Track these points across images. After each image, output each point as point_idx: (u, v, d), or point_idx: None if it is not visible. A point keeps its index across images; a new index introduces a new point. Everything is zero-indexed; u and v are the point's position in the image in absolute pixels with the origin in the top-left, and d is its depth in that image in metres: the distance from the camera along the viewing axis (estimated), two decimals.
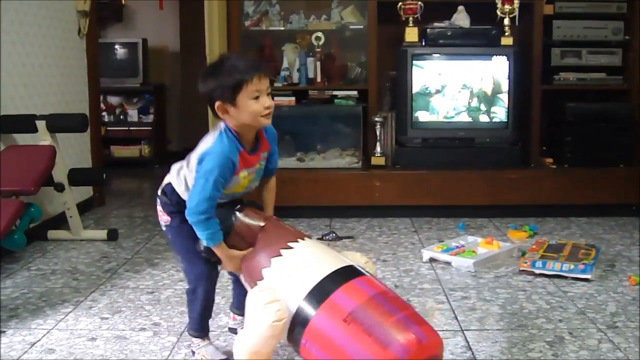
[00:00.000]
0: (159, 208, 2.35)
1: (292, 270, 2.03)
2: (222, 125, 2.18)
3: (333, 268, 1.99)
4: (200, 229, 2.14)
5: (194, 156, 2.20)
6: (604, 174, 4.64)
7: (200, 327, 2.41)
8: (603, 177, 4.63)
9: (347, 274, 1.98)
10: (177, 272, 3.47)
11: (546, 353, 2.42)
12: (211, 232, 2.14)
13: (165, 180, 2.33)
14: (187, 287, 2.39)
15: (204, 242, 2.17)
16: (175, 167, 2.32)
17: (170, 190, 2.30)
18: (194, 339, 2.42)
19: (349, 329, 1.84)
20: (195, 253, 2.24)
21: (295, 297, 1.95)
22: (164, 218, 2.34)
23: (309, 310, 1.92)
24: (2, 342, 2.57)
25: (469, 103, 4.66)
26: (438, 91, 4.66)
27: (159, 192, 2.35)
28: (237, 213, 2.20)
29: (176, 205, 2.27)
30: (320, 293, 1.93)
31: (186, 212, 2.15)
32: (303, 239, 2.13)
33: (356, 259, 2.14)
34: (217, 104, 2.13)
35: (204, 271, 2.30)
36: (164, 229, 2.38)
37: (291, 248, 2.07)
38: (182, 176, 2.25)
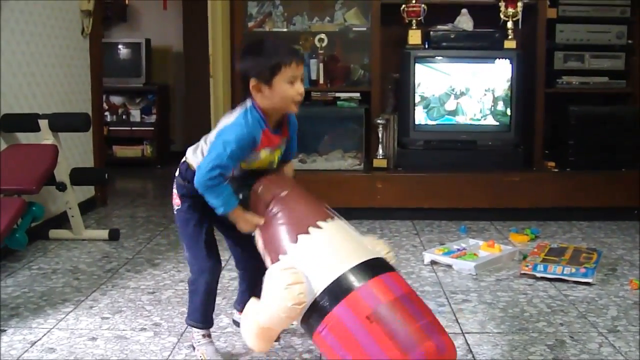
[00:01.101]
0: (174, 190, 2.36)
1: (319, 252, 1.96)
2: (248, 103, 2.18)
3: (361, 259, 1.93)
4: (212, 195, 2.13)
5: (214, 131, 2.21)
6: (607, 177, 4.64)
7: (199, 317, 2.38)
8: (605, 181, 4.62)
9: (376, 267, 1.94)
10: (178, 272, 3.47)
11: (547, 356, 2.42)
12: (224, 197, 2.13)
13: (182, 160, 2.34)
14: (190, 277, 2.38)
15: (219, 210, 2.14)
16: (191, 148, 2.33)
17: (185, 169, 2.30)
18: (194, 330, 2.41)
19: (371, 328, 1.81)
20: (200, 243, 2.25)
21: (319, 282, 1.89)
22: (175, 201, 2.34)
23: (332, 299, 1.87)
24: (3, 341, 2.57)
25: (472, 106, 4.66)
26: (441, 94, 4.65)
27: (176, 173, 2.35)
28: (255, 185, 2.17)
29: (189, 187, 2.26)
30: (346, 284, 1.87)
31: (195, 179, 2.14)
32: (333, 219, 2.06)
33: (379, 247, 2.09)
34: (252, 82, 2.13)
35: (207, 263, 2.30)
36: (175, 212, 2.37)
37: (320, 228, 2.00)
38: (199, 152, 2.25)
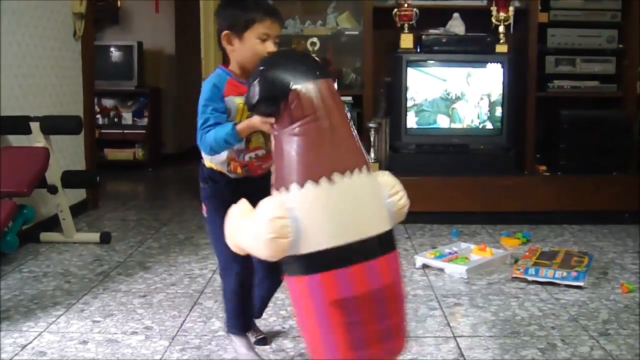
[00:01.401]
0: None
1: (318, 213, 1.77)
2: None
3: (356, 237, 1.77)
4: (212, 140, 2.08)
5: None
6: (598, 181, 4.65)
7: (232, 323, 2.36)
8: (596, 185, 4.64)
9: (368, 249, 1.79)
10: (170, 275, 3.47)
11: None
12: (218, 131, 2.07)
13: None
14: (222, 285, 2.36)
15: (231, 142, 2.07)
16: None
17: (202, 166, 2.29)
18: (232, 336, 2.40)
19: (331, 313, 1.75)
20: (224, 242, 2.08)
21: (306, 243, 1.76)
22: (203, 207, 2.33)
23: (310, 266, 1.77)
24: None
25: (464, 110, 4.67)
26: (432, 98, 4.66)
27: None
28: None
29: (206, 185, 2.27)
30: (327, 261, 1.75)
31: (203, 152, 2.15)
32: (355, 172, 1.81)
33: (387, 184, 1.95)
34: (224, 32, 2.13)
35: (234, 257, 2.12)
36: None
37: (333, 182, 1.76)
38: None
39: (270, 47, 2.12)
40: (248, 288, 2.31)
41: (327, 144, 1.80)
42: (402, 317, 1.90)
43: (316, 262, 1.76)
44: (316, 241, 1.75)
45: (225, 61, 2.25)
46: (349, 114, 1.93)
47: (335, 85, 2.03)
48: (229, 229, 1.92)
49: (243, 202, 1.91)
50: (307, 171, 1.77)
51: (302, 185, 1.76)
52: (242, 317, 2.36)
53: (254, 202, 1.87)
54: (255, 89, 1.86)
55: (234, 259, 2.17)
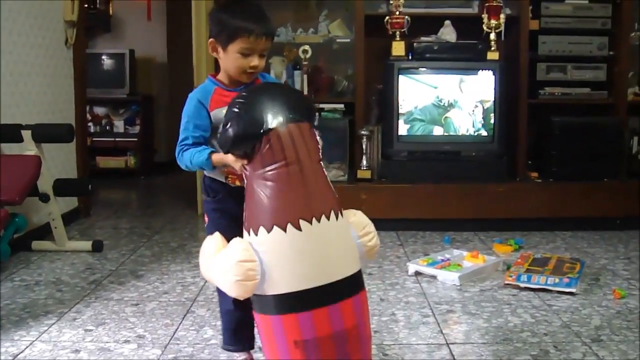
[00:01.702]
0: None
1: (284, 257, 1.80)
2: None
3: (321, 282, 1.80)
4: (187, 160, 2.06)
5: None
6: (589, 187, 4.66)
7: (227, 339, 2.32)
8: (588, 191, 4.65)
9: (332, 292, 1.82)
10: (162, 284, 3.46)
11: None
12: (194, 153, 2.05)
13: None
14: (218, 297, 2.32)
15: (206, 169, 2.07)
16: None
17: (203, 176, 2.24)
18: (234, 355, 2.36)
19: (294, 352, 1.80)
20: None
21: (270, 285, 1.80)
22: (205, 218, 2.28)
23: (273, 308, 1.81)
24: None
25: (455, 117, 4.68)
26: (424, 105, 4.67)
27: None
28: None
29: (208, 197, 2.23)
30: (290, 304, 1.80)
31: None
32: (328, 215, 1.84)
33: (358, 225, 1.95)
34: (210, 39, 2.11)
35: None
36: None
37: (299, 230, 1.79)
38: None
39: (254, 61, 2.06)
40: (243, 308, 2.21)
41: (297, 189, 1.83)
42: (366, 355, 1.91)
43: (280, 304, 1.81)
44: (281, 284, 1.80)
45: (218, 69, 2.23)
46: (320, 155, 1.95)
47: (317, 119, 1.97)
48: (202, 261, 1.95)
49: (217, 236, 1.94)
50: (275, 216, 1.81)
51: (269, 230, 1.81)
52: (237, 334, 2.30)
53: None
54: (228, 132, 1.87)
55: None
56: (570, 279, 3.26)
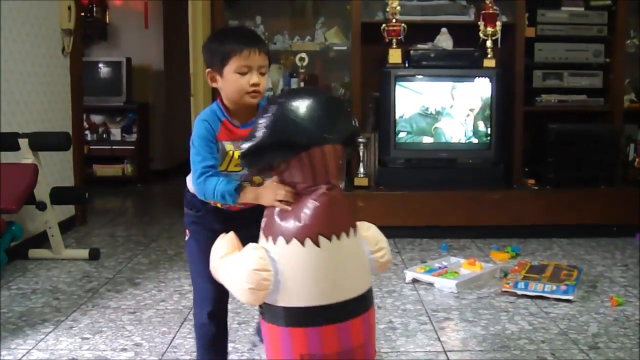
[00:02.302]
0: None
1: (298, 271, 1.80)
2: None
3: (333, 299, 1.81)
4: (211, 192, 1.97)
5: None
6: (586, 194, 4.67)
7: (201, 354, 2.25)
8: (585, 198, 4.66)
9: (343, 310, 1.82)
10: (159, 292, 3.46)
11: None
12: (220, 185, 1.95)
13: (186, 189, 2.23)
14: (194, 320, 2.27)
15: (229, 199, 1.95)
16: (189, 176, 2.19)
17: (190, 196, 2.19)
18: None
19: None
20: (204, 274, 2.06)
21: (282, 297, 1.81)
22: (187, 232, 2.24)
23: (283, 319, 1.82)
24: None
25: (452, 124, 4.68)
26: (421, 112, 4.67)
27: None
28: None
29: (190, 211, 2.19)
30: (300, 318, 1.81)
31: (194, 188, 2.04)
32: (346, 234, 1.84)
33: (371, 240, 1.96)
34: (207, 70, 2.06)
35: (209, 293, 2.14)
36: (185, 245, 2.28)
37: (317, 246, 1.79)
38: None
39: (254, 79, 2.01)
40: (218, 323, 2.21)
41: (320, 207, 1.81)
42: None
43: (290, 317, 1.82)
44: (293, 297, 1.81)
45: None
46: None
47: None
48: (212, 262, 1.93)
49: (230, 236, 1.93)
50: (295, 230, 1.80)
51: (287, 242, 1.80)
52: (210, 349, 2.24)
53: (241, 233, 1.92)
54: (257, 140, 1.81)
55: (207, 296, 2.15)
56: (567, 286, 3.26)
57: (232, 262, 1.86)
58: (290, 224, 1.81)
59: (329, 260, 1.81)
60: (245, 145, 1.82)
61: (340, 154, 1.86)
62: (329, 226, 1.81)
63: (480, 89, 4.67)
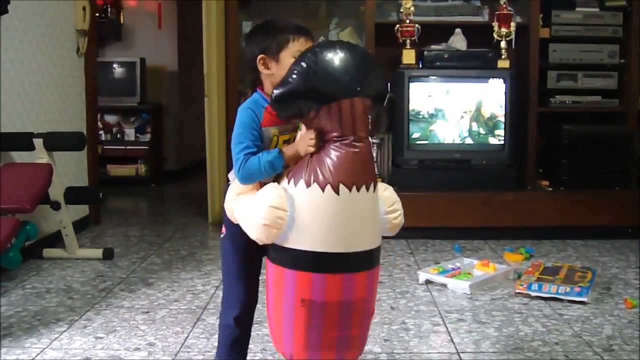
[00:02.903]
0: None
1: (314, 216, 1.82)
2: None
3: (343, 249, 1.83)
4: (255, 171, 1.93)
5: None
6: (600, 196, 4.65)
7: (221, 352, 2.23)
8: (599, 200, 4.64)
9: (354, 262, 1.86)
10: (173, 292, 3.46)
11: None
12: (263, 161, 1.92)
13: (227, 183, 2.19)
14: (219, 320, 2.26)
15: (276, 168, 1.92)
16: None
17: (226, 188, 2.14)
18: None
19: (298, 309, 1.85)
20: (234, 275, 2.11)
21: (293, 240, 1.83)
22: (223, 229, 2.20)
23: (292, 261, 1.85)
24: None
25: (466, 125, 4.68)
26: (435, 113, 4.67)
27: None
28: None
29: (229, 230, 2.14)
30: (307, 262, 1.83)
31: (236, 174, 1.99)
32: (367, 188, 1.85)
33: (387, 200, 1.99)
34: (260, 56, 2.05)
35: (237, 296, 2.14)
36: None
37: (337, 194, 1.81)
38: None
39: None
40: (242, 326, 2.19)
41: (345, 157, 1.83)
42: (364, 331, 1.98)
43: (298, 260, 1.85)
44: (304, 241, 1.84)
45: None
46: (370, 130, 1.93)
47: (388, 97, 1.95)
48: (228, 199, 1.98)
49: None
50: (317, 175, 1.82)
51: (308, 185, 1.83)
52: (231, 350, 2.22)
53: None
54: (290, 84, 1.84)
55: (235, 299, 2.15)
56: (581, 288, 3.25)
57: (249, 199, 1.90)
58: (314, 170, 1.83)
59: (345, 210, 1.83)
60: (277, 91, 1.85)
61: (369, 109, 1.88)
62: (351, 177, 1.82)
63: (495, 90, 4.65)
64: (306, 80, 1.82)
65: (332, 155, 1.83)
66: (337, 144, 1.83)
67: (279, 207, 1.82)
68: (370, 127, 1.90)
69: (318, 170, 1.83)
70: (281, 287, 1.88)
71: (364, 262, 1.89)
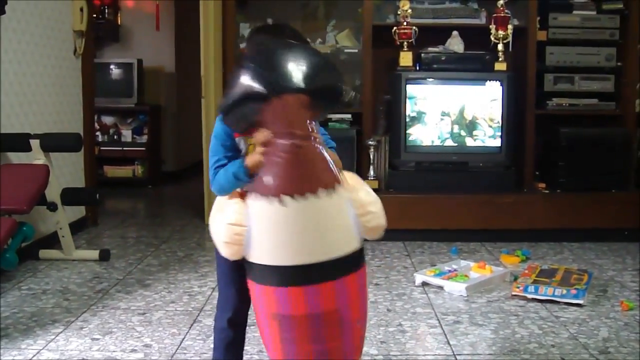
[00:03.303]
0: None
1: (269, 227, 1.74)
2: None
3: (302, 261, 1.73)
4: (224, 180, 1.89)
5: None
6: (597, 199, 4.66)
7: (216, 356, 2.20)
8: (596, 202, 4.64)
9: (317, 272, 1.74)
10: (169, 293, 3.46)
11: None
12: (229, 170, 1.87)
13: None
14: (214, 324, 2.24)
15: (240, 178, 1.84)
16: None
17: None
18: None
19: (271, 324, 1.79)
20: (228, 278, 2.08)
21: (255, 254, 1.77)
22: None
23: (255, 275, 1.80)
24: None
25: (463, 127, 4.68)
26: (432, 115, 4.67)
27: None
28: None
29: None
30: (268, 276, 1.76)
31: (211, 188, 1.97)
32: (324, 191, 1.73)
33: (358, 203, 1.83)
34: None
35: (231, 299, 2.11)
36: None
37: (287, 204, 1.70)
38: None
39: None
40: (236, 328, 2.18)
41: (284, 164, 1.72)
42: (347, 342, 1.82)
43: (262, 274, 1.79)
44: (263, 255, 1.77)
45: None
46: (318, 131, 1.86)
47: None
48: (212, 211, 1.95)
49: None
50: (262, 186, 1.74)
51: (258, 199, 1.74)
52: (226, 353, 2.20)
53: None
54: (231, 90, 1.75)
55: (228, 302, 2.13)
56: (577, 291, 3.25)
57: (218, 214, 1.86)
58: (260, 180, 1.75)
59: (294, 220, 1.72)
60: (220, 105, 1.79)
61: (308, 105, 1.74)
62: (292, 184, 1.71)
63: (492, 93, 4.66)
64: (240, 85, 1.73)
65: (273, 162, 1.73)
66: (279, 148, 1.72)
67: (236, 223, 1.77)
68: (313, 124, 1.79)
69: (263, 179, 1.74)
70: (255, 301, 1.85)
71: (328, 272, 1.76)
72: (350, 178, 1.91)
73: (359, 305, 1.86)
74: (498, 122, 4.66)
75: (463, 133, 4.69)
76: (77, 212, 4.87)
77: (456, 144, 4.71)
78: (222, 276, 2.14)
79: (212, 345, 2.70)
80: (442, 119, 4.68)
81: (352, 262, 1.82)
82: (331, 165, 1.80)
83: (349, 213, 1.81)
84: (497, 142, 4.68)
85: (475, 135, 4.69)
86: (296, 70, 1.73)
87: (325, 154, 1.80)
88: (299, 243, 1.74)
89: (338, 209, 1.79)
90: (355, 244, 1.83)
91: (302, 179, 1.72)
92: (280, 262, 1.75)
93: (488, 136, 4.69)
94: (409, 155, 4.70)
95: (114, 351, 2.68)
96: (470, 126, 4.68)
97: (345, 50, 5.06)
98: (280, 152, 1.71)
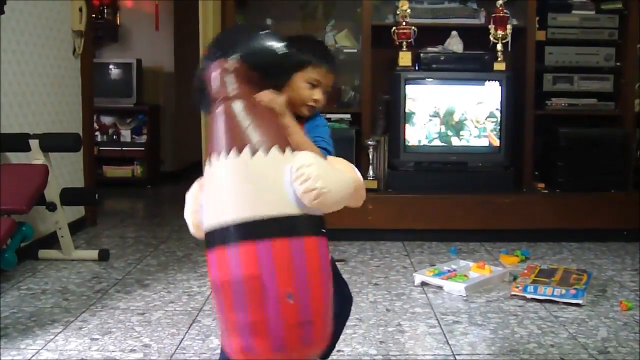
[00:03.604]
0: None
1: (214, 187, 1.69)
2: None
3: (225, 220, 1.64)
4: None
5: None
6: (596, 199, 4.66)
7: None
8: (595, 203, 4.64)
9: (245, 230, 1.62)
10: (168, 293, 3.46)
11: None
12: None
13: None
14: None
15: None
16: None
17: None
18: None
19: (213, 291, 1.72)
20: None
21: (204, 219, 1.72)
22: None
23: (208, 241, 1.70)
24: None
25: (462, 127, 4.68)
26: (431, 115, 4.67)
27: None
28: None
29: None
30: (207, 239, 1.69)
31: None
32: (264, 150, 1.66)
33: (294, 166, 1.67)
34: None
35: None
36: None
37: (213, 162, 1.67)
38: None
39: (317, 94, 1.95)
40: None
41: (210, 126, 1.72)
42: (273, 318, 1.62)
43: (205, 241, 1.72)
44: (204, 220, 1.72)
45: None
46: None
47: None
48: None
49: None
50: (219, 145, 1.68)
51: (217, 158, 1.68)
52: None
53: None
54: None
55: None
56: (577, 290, 3.26)
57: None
58: (216, 144, 1.71)
59: (212, 180, 1.69)
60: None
61: (228, 67, 1.74)
62: (218, 144, 1.68)
63: (491, 93, 4.66)
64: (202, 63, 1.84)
65: (215, 120, 1.73)
66: (222, 106, 1.71)
67: (193, 193, 1.77)
68: (239, 86, 1.74)
69: (218, 139, 1.71)
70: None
71: (248, 231, 1.62)
72: (338, 162, 1.91)
73: (291, 279, 1.65)
74: (497, 122, 4.66)
75: (462, 133, 4.69)
76: (76, 212, 4.87)
77: (455, 144, 4.71)
78: None
79: (211, 345, 2.72)
80: (441, 119, 4.68)
81: (282, 227, 1.66)
82: (275, 128, 1.73)
83: (285, 178, 1.68)
84: (496, 142, 4.68)
85: (475, 136, 4.69)
86: (230, 41, 1.82)
87: (272, 118, 1.75)
88: (215, 203, 1.69)
89: (272, 170, 1.68)
90: (289, 209, 1.67)
91: (227, 138, 1.68)
92: (208, 223, 1.69)
93: (487, 136, 4.69)
94: (408, 155, 4.70)
95: (113, 351, 2.68)
96: (469, 126, 4.68)
97: (345, 50, 5.05)
98: (214, 114, 1.73)
